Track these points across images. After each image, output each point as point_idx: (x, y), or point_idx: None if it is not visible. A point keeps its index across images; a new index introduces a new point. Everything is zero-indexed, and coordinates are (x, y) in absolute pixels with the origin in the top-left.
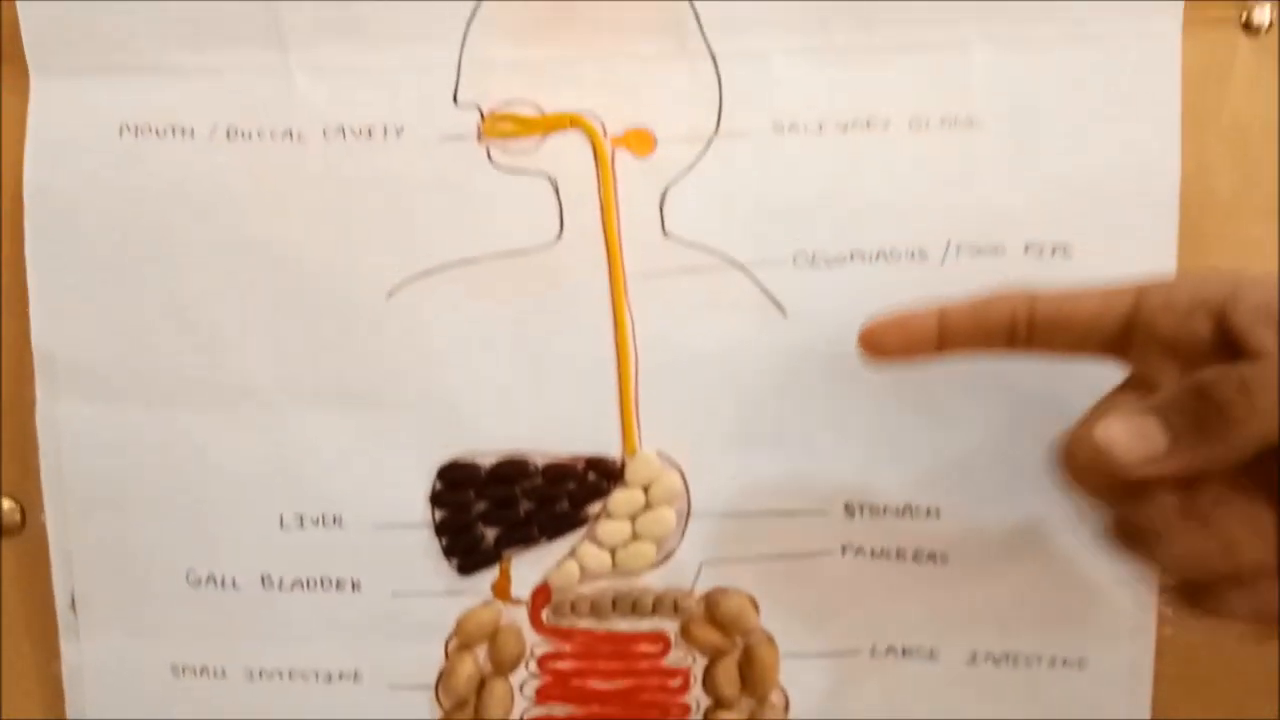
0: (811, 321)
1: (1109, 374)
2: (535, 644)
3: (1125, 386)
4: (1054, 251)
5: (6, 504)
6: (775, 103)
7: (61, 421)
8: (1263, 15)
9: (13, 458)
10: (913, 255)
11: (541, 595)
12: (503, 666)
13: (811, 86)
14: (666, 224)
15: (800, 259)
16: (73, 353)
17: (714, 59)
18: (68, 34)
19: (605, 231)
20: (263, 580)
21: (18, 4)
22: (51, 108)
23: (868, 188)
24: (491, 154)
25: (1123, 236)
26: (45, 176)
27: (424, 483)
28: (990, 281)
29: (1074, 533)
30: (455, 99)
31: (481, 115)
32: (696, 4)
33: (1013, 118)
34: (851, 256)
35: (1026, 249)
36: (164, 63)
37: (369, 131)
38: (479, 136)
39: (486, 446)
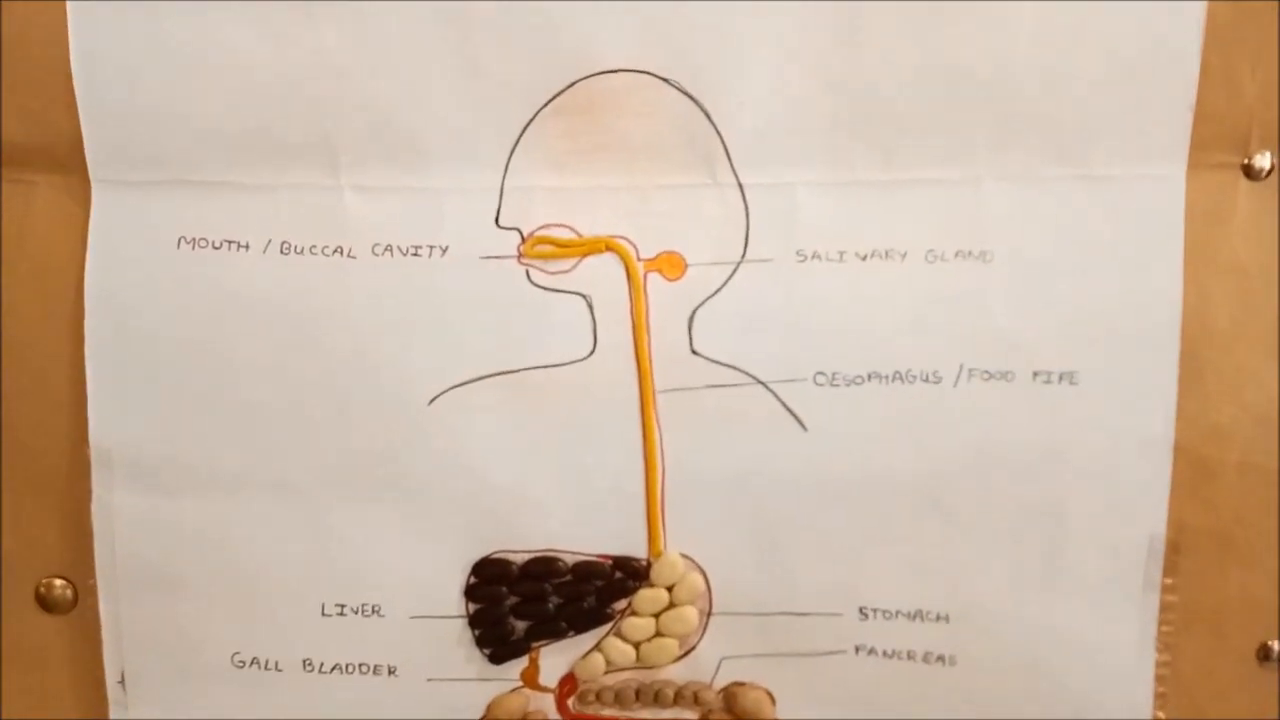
0: (830, 436)
1: (1118, 487)
2: None
3: None
4: (1061, 378)
5: (59, 583)
6: (799, 232)
7: (116, 511)
8: (1263, 161)
9: (66, 540)
10: (927, 378)
11: (568, 684)
12: None
13: (833, 218)
14: (695, 343)
15: (820, 378)
16: (128, 449)
17: (742, 190)
18: (130, 149)
19: (636, 348)
20: (304, 664)
21: (82, 119)
22: (112, 219)
23: (885, 313)
24: (531, 274)
25: (1126, 366)
26: (105, 283)
27: (459, 577)
28: (1000, 404)
29: (1077, 637)
30: (498, 221)
31: (522, 237)
32: (726, 139)
33: (1024, 252)
34: (869, 377)
35: (1035, 375)
36: (222, 180)
37: (415, 250)
38: (519, 257)
39: (519, 544)
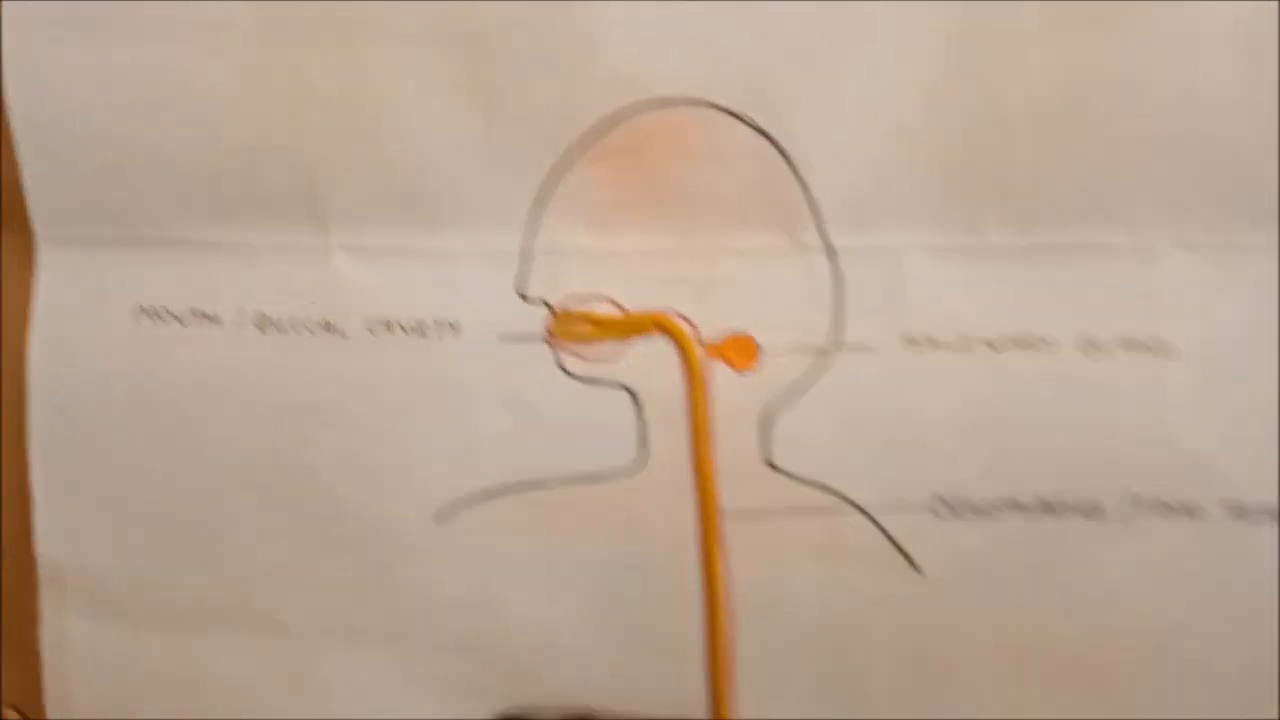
0: (951, 584)
1: None
2: None
3: None
4: (1266, 516)
5: (10, 714)
6: (909, 311)
7: (69, 640)
8: None
9: (16, 667)
10: (1083, 510)
11: None
12: None
13: (955, 294)
14: (772, 454)
15: (940, 506)
16: (81, 566)
17: (833, 255)
18: (79, 201)
19: (696, 460)
20: None
21: (21, 164)
22: (60, 285)
23: (1026, 421)
24: (562, 360)
25: None
26: (51, 365)
27: None
28: (1183, 548)
29: None
30: (522, 292)
31: (552, 313)
32: (813, 190)
33: (1211, 345)
34: (1005, 506)
35: (1229, 510)
36: (187, 238)
37: (420, 327)
38: (548, 338)
39: (548, 699)
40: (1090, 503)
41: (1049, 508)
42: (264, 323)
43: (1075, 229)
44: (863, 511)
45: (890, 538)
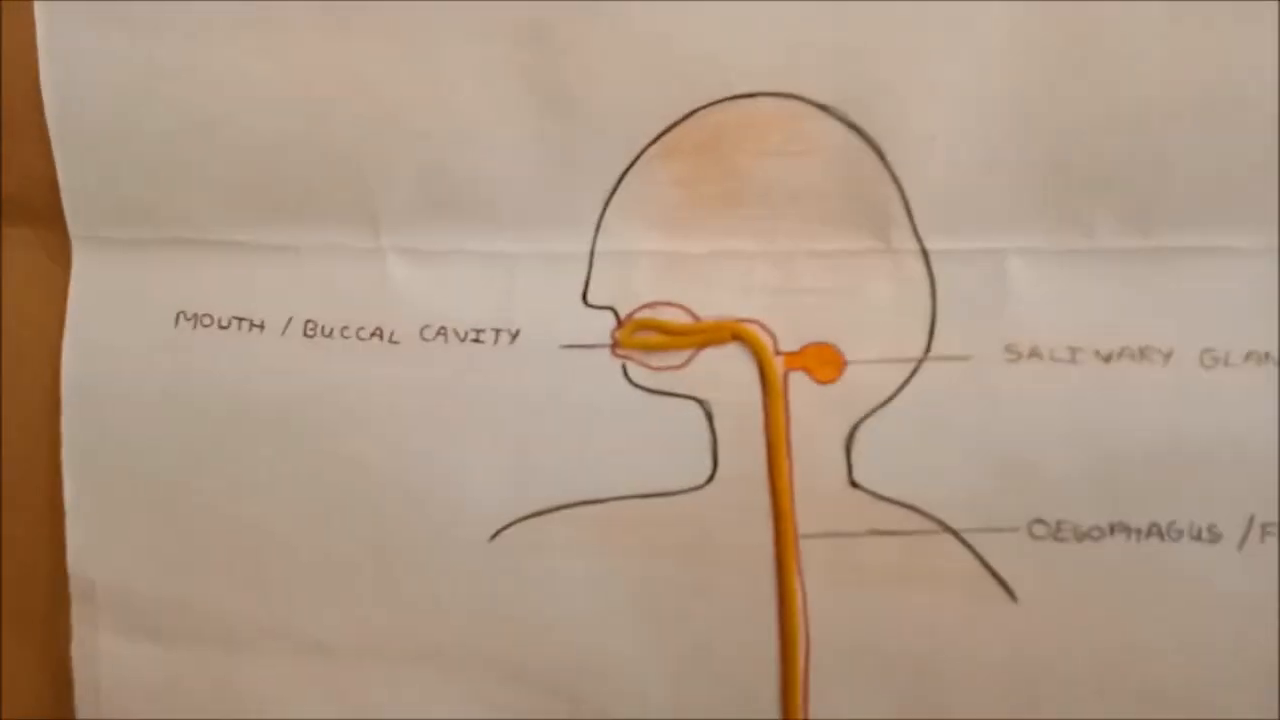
0: (1051, 613)
1: None
2: None
3: None
4: None
5: None
6: (1010, 319)
7: (101, 659)
8: None
9: (47, 682)
10: (1199, 534)
11: None
12: None
13: (1062, 300)
14: (855, 471)
15: (1040, 528)
16: (115, 581)
17: (927, 258)
18: (117, 200)
19: (772, 477)
20: None
21: (57, 160)
22: (96, 288)
23: (1138, 440)
24: (629, 370)
25: None
26: (86, 372)
27: None
28: None
29: None
30: (585, 298)
31: (618, 320)
32: (907, 189)
33: None
34: (1112, 530)
35: None
36: (231, 240)
37: (477, 335)
38: (614, 347)
39: None
40: (1207, 526)
41: (1161, 532)
42: (312, 329)
43: (1195, 231)
44: (953, 533)
45: (983, 560)
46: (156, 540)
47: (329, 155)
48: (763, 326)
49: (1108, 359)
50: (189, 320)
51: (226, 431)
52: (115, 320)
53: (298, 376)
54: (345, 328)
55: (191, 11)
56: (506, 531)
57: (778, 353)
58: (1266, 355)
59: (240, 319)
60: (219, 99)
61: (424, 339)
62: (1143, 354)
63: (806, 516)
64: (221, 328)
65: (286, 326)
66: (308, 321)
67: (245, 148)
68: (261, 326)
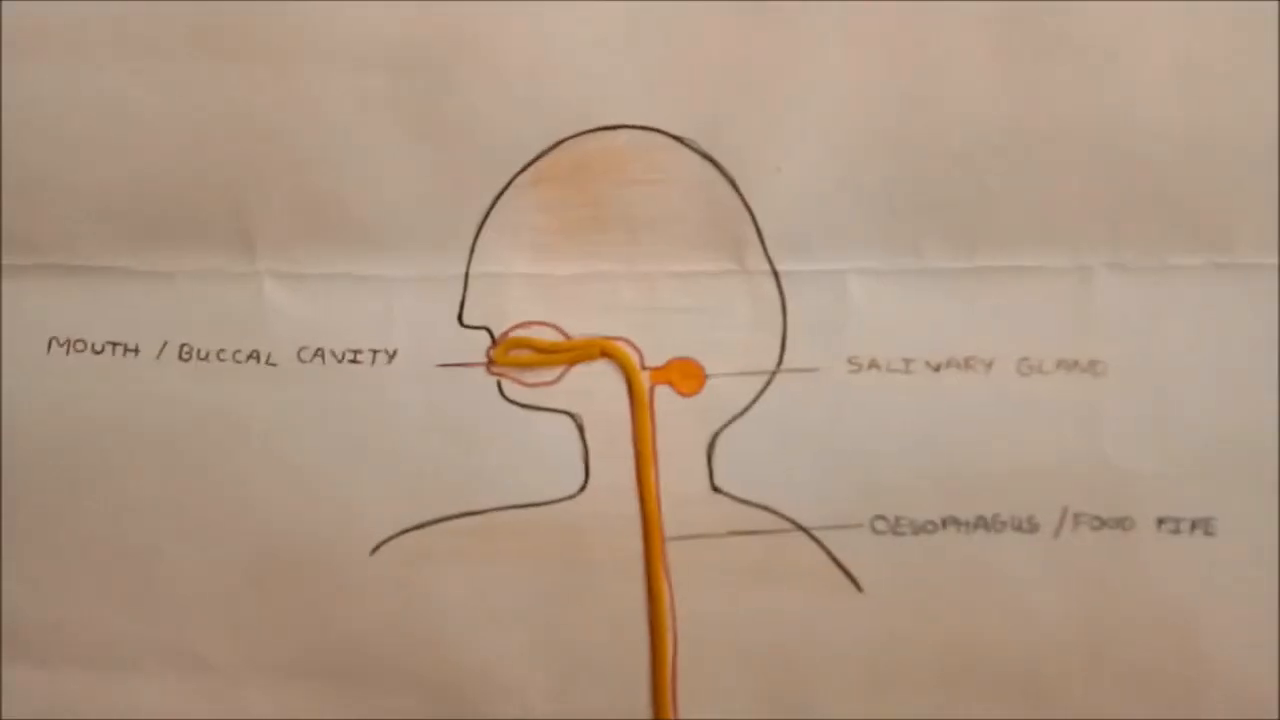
0: (892, 601)
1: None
2: None
3: None
4: (1194, 527)
5: None
6: (851, 334)
7: None
8: None
9: None
10: (1019, 525)
11: None
12: None
13: (897, 317)
14: (716, 476)
15: (880, 524)
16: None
17: (778, 279)
18: None
19: (641, 485)
20: None
21: None
22: None
23: (965, 441)
24: (504, 386)
25: (1276, 512)
26: None
27: None
28: (1115, 560)
29: None
30: (461, 319)
31: (492, 339)
32: (758, 214)
33: (1144, 365)
34: (944, 523)
35: (1160, 523)
36: (106, 265)
37: (354, 356)
38: (488, 365)
39: None
40: (1026, 519)
41: (986, 524)
42: (188, 353)
43: (1015, 252)
44: (805, 531)
45: (831, 555)
46: (36, 565)
47: (205, 180)
48: (629, 343)
49: (937, 369)
50: (62, 346)
51: (105, 455)
52: None
53: (175, 400)
54: (222, 351)
55: (68, 36)
56: (388, 545)
57: (643, 368)
58: (1075, 363)
59: (115, 344)
60: (94, 124)
61: (301, 360)
62: (968, 364)
63: (673, 520)
64: (95, 353)
65: (162, 350)
66: (183, 345)
67: (121, 172)
68: (136, 351)
